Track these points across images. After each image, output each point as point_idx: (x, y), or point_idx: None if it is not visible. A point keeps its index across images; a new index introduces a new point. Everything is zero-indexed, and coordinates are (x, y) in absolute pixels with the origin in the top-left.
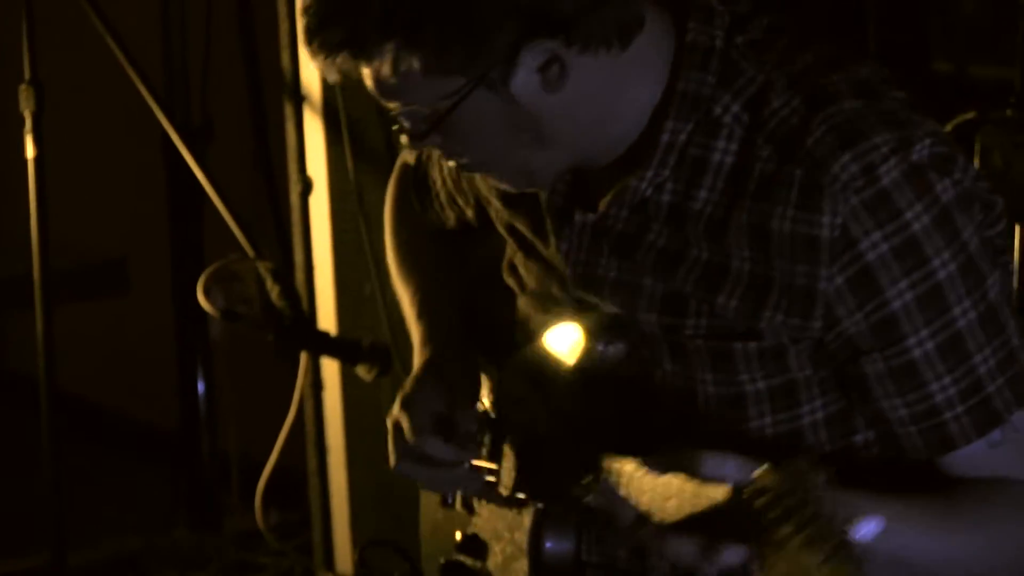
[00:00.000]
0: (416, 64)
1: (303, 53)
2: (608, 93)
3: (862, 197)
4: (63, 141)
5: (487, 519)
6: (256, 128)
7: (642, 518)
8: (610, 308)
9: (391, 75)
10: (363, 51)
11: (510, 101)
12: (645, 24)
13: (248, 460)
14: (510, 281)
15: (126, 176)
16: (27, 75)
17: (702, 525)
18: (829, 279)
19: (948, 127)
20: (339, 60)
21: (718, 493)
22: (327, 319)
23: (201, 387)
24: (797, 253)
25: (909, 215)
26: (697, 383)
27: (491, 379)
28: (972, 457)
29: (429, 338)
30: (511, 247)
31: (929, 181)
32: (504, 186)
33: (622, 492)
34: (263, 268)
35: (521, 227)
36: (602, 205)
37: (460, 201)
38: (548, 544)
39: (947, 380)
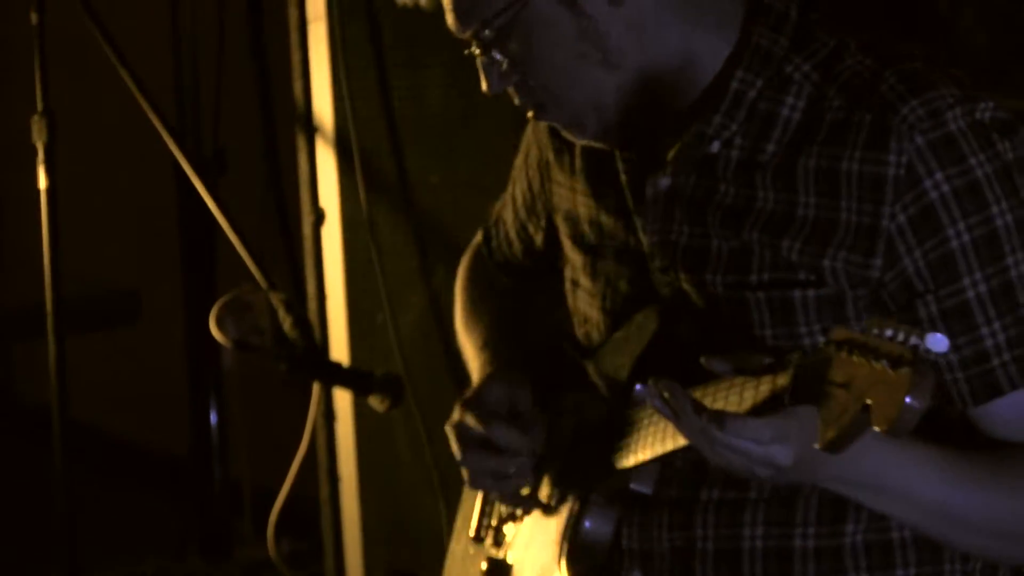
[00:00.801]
0: None
1: (315, 83)
2: (676, 24)
3: (928, 138)
4: (75, 172)
5: (517, 540)
6: (268, 159)
7: (700, 404)
8: (682, 279)
9: None
10: None
11: (578, 12)
12: None
13: (260, 489)
14: (572, 299)
15: (139, 206)
16: (40, 106)
17: (763, 404)
18: (892, 217)
19: None
20: None
21: (780, 377)
22: (339, 350)
23: (213, 416)
24: (864, 192)
25: (973, 161)
26: (758, 341)
27: (546, 394)
28: (1015, 416)
29: (491, 361)
30: (574, 262)
31: (992, 138)
32: (574, 134)
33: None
34: (275, 298)
35: (606, 219)
36: (671, 161)
37: (530, 228)
38: (587, 524)
39: (997, 325)
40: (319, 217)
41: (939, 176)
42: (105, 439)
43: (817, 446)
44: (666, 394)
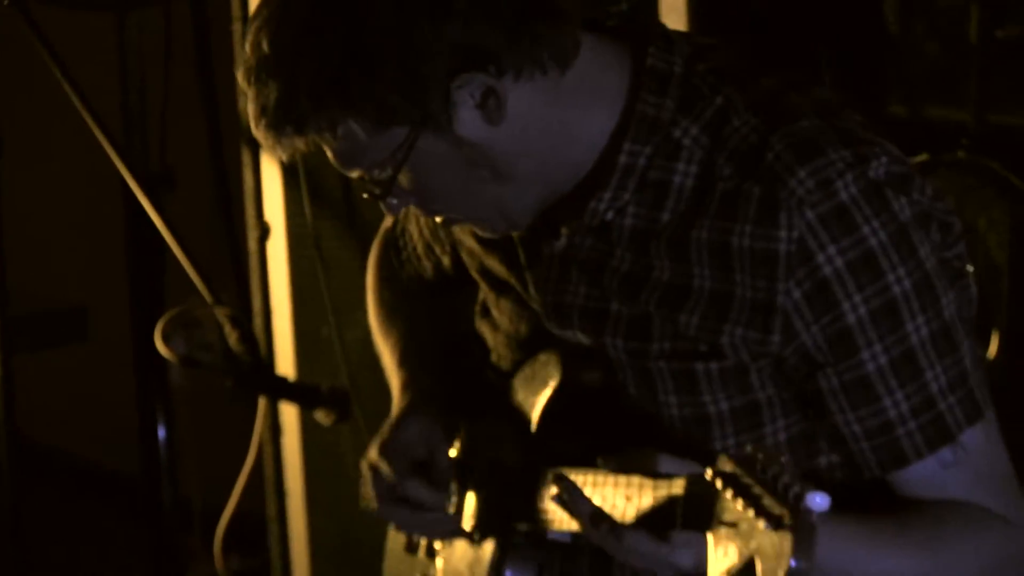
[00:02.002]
0: (357, 126)
1: None
2: (557, 117)
3: (819, 211)
4: (22, 189)
5: (449, 561)
6: (216, 174)
7: (600, 513)
8: (580, 338)
9: (339, 142)
10: (304, 126)
11: (458, 142)
12: (588, 49)
13: (211, 506)
14: (482, 326)
15: (86, 223)
16: None
17: (659, 519)
18: (787, 293)
19: None
20: (284, 140)
21: (675, 486)
22: (286, 364)
23: (162, 433)
24: (756, 268)
25: (866, 230)
26: (662, 406)
27: (463, 424)
28: (925, 477)
29: (407, 385)
30: (483, 290)
31: (886, 198)
32: (487, 233)
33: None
34: (220, 313)
35: (496, 267)
36: (565, 229)
37: (437, 250)
38: (508, 573)
39: (900, 395)
40: (264, 232)
41: (832, 250)
42: (54, 457)
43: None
44: (566, 497)
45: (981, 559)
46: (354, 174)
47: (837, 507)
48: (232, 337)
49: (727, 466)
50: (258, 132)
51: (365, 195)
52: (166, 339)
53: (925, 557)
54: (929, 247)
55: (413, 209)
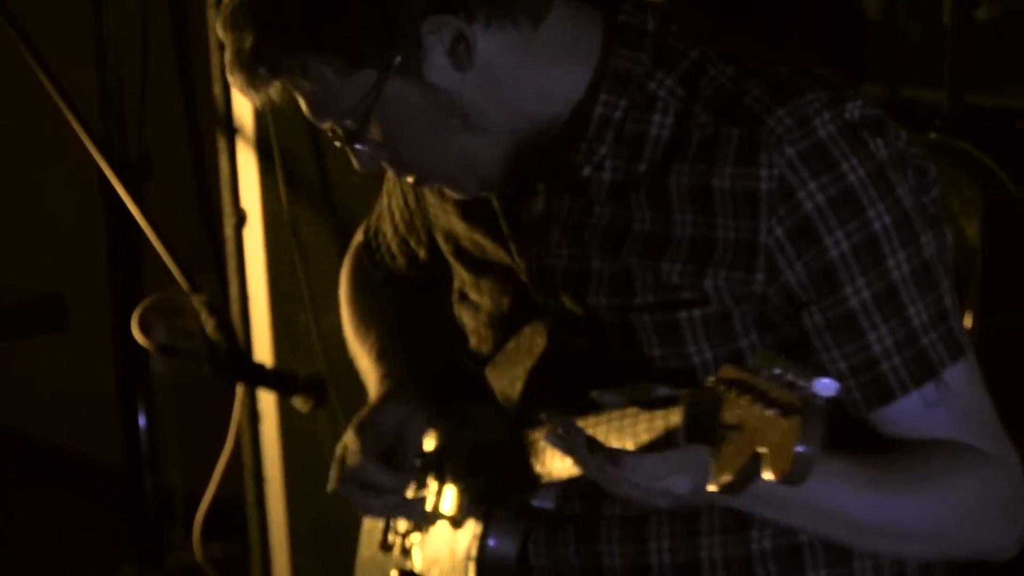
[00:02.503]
0: (327, 68)
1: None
2: (529, 71)
3: (798, 148)
4: None
5: (426, 550)
6: (194, 162)
7: (595, 442)
8: (564, 302)
9: (310, 86)
10: (277, 67)
11: (428, 88)
12: (561, 7)
13: (192, 495)
14: (461, 311)
15: (64, 213)
16: None
17: (660, 441)
18: (769, 231)
19: None
20: (259, 84)
21: (673, 413)
22: (263, 351)
23: (143, 422)
24: (738, 208)
25: (845, 166)
26: (647, 361)
27: (442, 413)
28: (910, 416)
29: (385, 376)
30: (460, 276)
31: (863, 138)
32: (459, 193)
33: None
34: (197, 301)
35: (481, 240)
36: (542, 186)
37: (412, 242)
38: (491, 543)
39: (884, 330)
40: (241, 218)
41: (812, 186)
42: (34, 447)
43: (711, 489)
44: (560, 431)
45: (966, 496)
46: (326, 125)
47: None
48: (209, 324)
49: (731, 373)
50: (233, 77)
51: (337, 143)
52: (145, 327)
53: (909, 495)
54: (907, 188)
55: (386, 204)
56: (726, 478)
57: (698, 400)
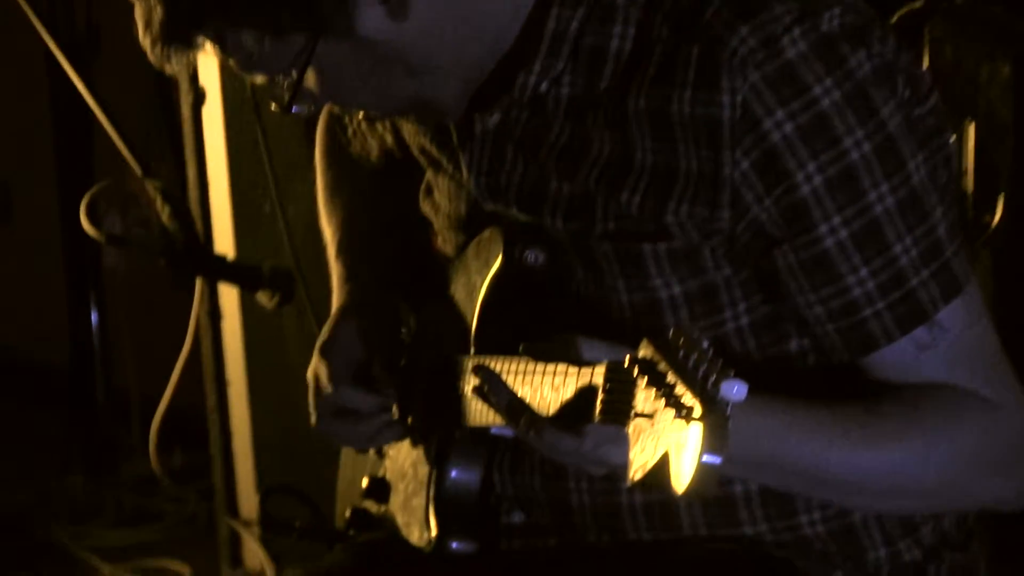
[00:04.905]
0: (248, 38)
1: None
2: (472, 3)
3: (763, 72)
4: None
5: (396, 460)
6: None
7: (519, 405)
8: (519, 218)
9: (235, 53)
10: (191, 43)
11: (365, 43)
12: None
13: (148, 399)
14: (426, 208)
15: (5, 93)
16: None
17: (579, 411)
18: (734, 164)
19: (894, 19)
20: (174, 57)
21: (596, 375)
22: (224, 242)
23: (95, 319)
24: (699, 137)
25: (817, 90)
26: (610, 291)
27: (409, 317)
28: (899, 361)
29: (347, 278)
30: (426, 170)
31: (841, 53)
32: (418, 125)
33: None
34: (151, 187)
35: (428, 146)
36: (498, 107)
37: (379, 127)
38: (453, 473)
39: (864, 272)
40: (199, 96)
41: (780, 115)
42: None
43: (625, 484)
44: (485, 388)
45: (959, 446)
46: (258, 80)
47: (808, 394)
48: (165, 213)
49: (646, 351)
50: (147, 48)
51: (273, 106)
52: (94, 216)
53: (897, 448)
54: (894, 104)
55: None
56: (637, 475)
57: (616, 377)
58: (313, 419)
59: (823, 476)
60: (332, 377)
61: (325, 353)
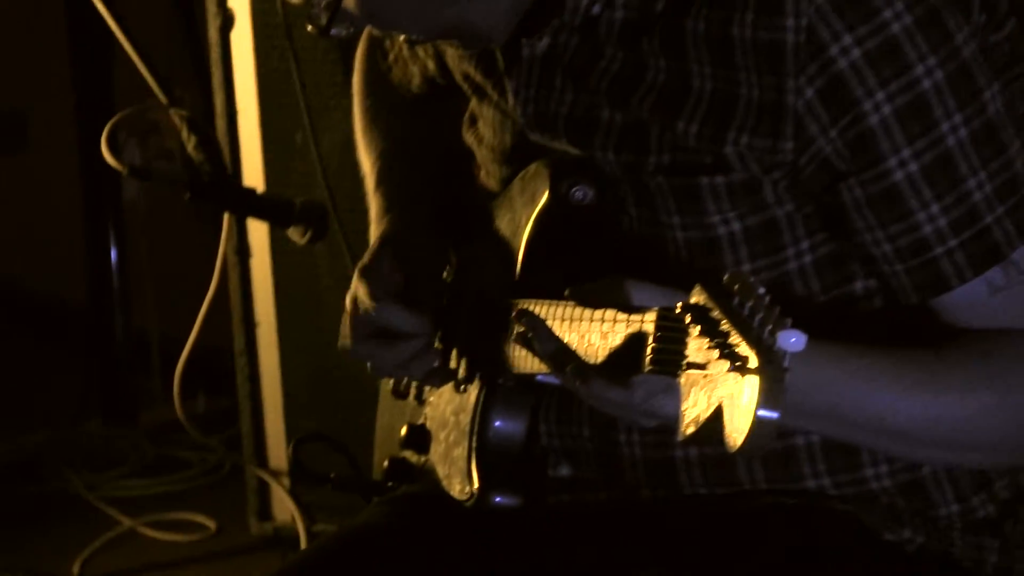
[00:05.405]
0: None
1: None
2: None
3: None
4: None
5: (436, 408)
6: None
7: (565, 352)
8: (569, 149)
9: None
10: None
11: None
12: None
13: (170, 341)
14: (469, 138)
15: (21, 16)
16: None
17: (629, 360)
18: (798, 91)
19: None
20: None
21: (647, 322)
22: (253, 174)
23: (114, 255)
24: (761, 63)
25: (887, 14)
26: (665, 229)
27: (451, 255)
28: (972, 304)
29: (387, 208)
30: (470, 98)
31: None
32: (464, 49)
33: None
34: (176, 116)
35: (472, 72)
36: (547, 31)
37: (421, 52)
38: (497, 422)
39: (936, 208)
40: (227, 20)
41: (847, 40)
42: None
43: (677, 438)
44: (530, 334)
45: None
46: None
47: (873, 339)
48: (190, 143)
49: (699, 297)
50: None
51: (310, 27)
52: (115, 146)
53: (967, 397)
54: (968, 31)
55: None
56: (689, 429)
57: (667, 325)
58: (349, 341)
59: (888, 427)
60: (372, 294)
61: (366, 274)
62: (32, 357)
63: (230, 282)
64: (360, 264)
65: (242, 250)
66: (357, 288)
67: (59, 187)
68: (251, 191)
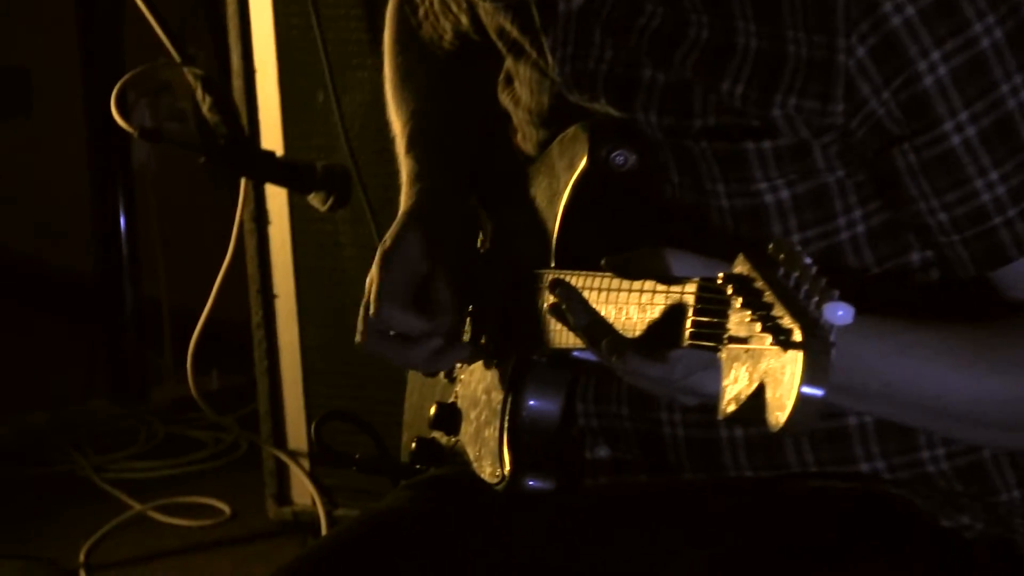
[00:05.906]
0: None
1: None
2: None
3: None
4: None
5: (467, 386)
6: None
7: (601, 325)
8: (609, 111)
9: None
10: None
11: None
12: None
13: (183, 313)
14: (504, 99)
15: None
16: None
17: (668, 334)
18: (849, 51)
19: None
20: None
21: (687, 294)
22: (272, 137)
23: (123, 223)
24: (810, 20)
25: None
26: (709, 196)
27: (485, 222)
28: None
29: (418, 175)
30: (505, 56)
31: None
32: (497, 3)
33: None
34: (191, 75)
35: (509, 28)
36: None
37: (454, 7)
38: (531, 401)
39: (995, 175)
40: None
41: None
42: None
43: (718, 416)
44: (564, 306)
45: None
46: None
47: (930, 314)
48: (205, 104)
49: (742, 267)
50: None
51: None
52: (125, 107)
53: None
54: None
55: None
56: (730, 407)
57: (708, 297)
58: (358, 337)
59: (944, 406)
60: (381, 294)
61: (385, 262)
62: (34, 331)
63: (247, 251)
64: (382, 247)
65: (259, 217)
66: (374, 276)
67: (64, 150)
68: (269, 154)
